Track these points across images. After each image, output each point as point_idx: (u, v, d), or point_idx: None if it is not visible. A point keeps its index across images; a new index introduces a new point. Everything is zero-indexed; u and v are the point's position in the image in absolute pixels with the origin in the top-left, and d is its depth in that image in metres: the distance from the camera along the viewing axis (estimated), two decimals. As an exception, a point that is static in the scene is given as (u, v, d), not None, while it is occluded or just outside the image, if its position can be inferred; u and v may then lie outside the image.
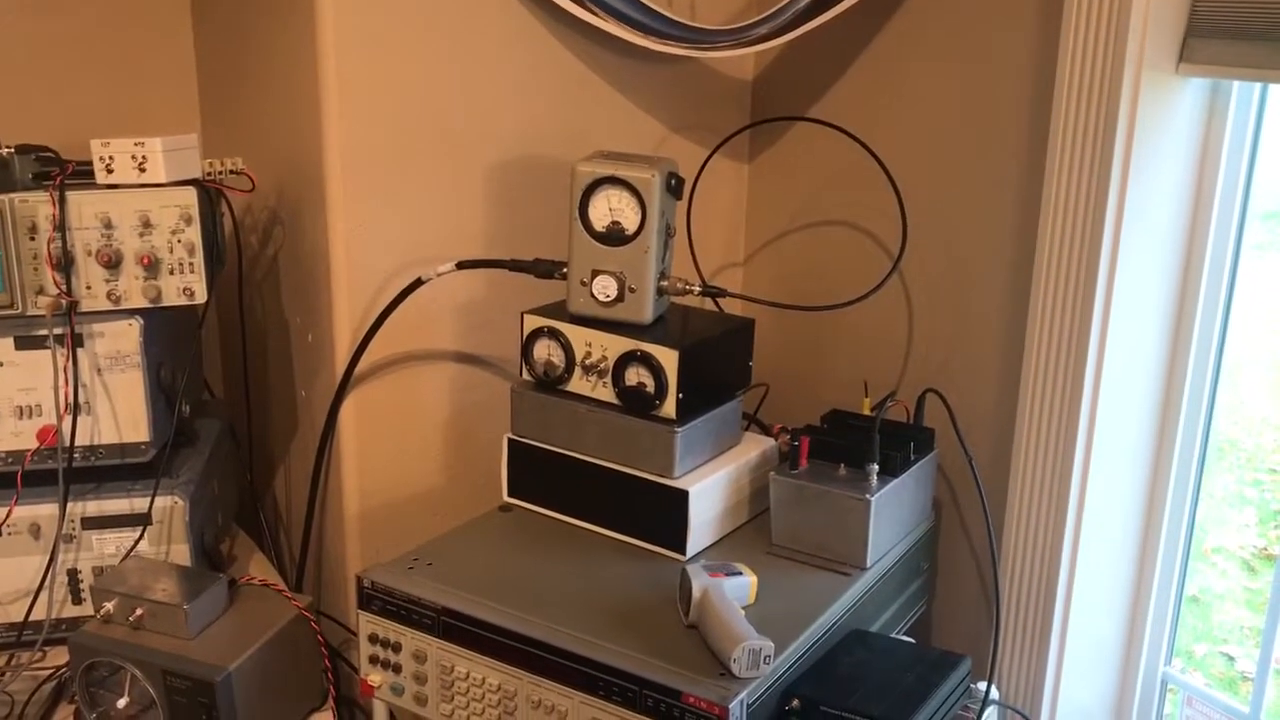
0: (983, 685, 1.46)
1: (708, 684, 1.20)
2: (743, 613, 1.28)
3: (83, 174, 1.51)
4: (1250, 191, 1.53)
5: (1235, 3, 1.38)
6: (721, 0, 1.86)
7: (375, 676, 1.42)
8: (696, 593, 1.29)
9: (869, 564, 1.45)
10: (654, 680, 1.21)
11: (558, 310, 1.54)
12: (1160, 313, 1.56)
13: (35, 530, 1.51)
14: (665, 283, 1.52)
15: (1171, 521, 1.65)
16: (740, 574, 1.35)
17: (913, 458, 1.53)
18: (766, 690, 1.23)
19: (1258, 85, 1.47)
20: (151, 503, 1.53)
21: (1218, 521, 2.52)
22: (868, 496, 1.43)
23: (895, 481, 1.48)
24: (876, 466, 1.46)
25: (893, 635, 1.54)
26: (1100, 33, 1.41)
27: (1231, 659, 2.39)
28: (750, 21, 1.71)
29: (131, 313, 1.51)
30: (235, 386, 2.05)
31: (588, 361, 1.50)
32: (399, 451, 1.72)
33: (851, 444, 1.50)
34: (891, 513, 1.49)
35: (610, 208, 1.48)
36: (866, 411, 1.63)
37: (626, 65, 1.79)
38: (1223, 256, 1.55)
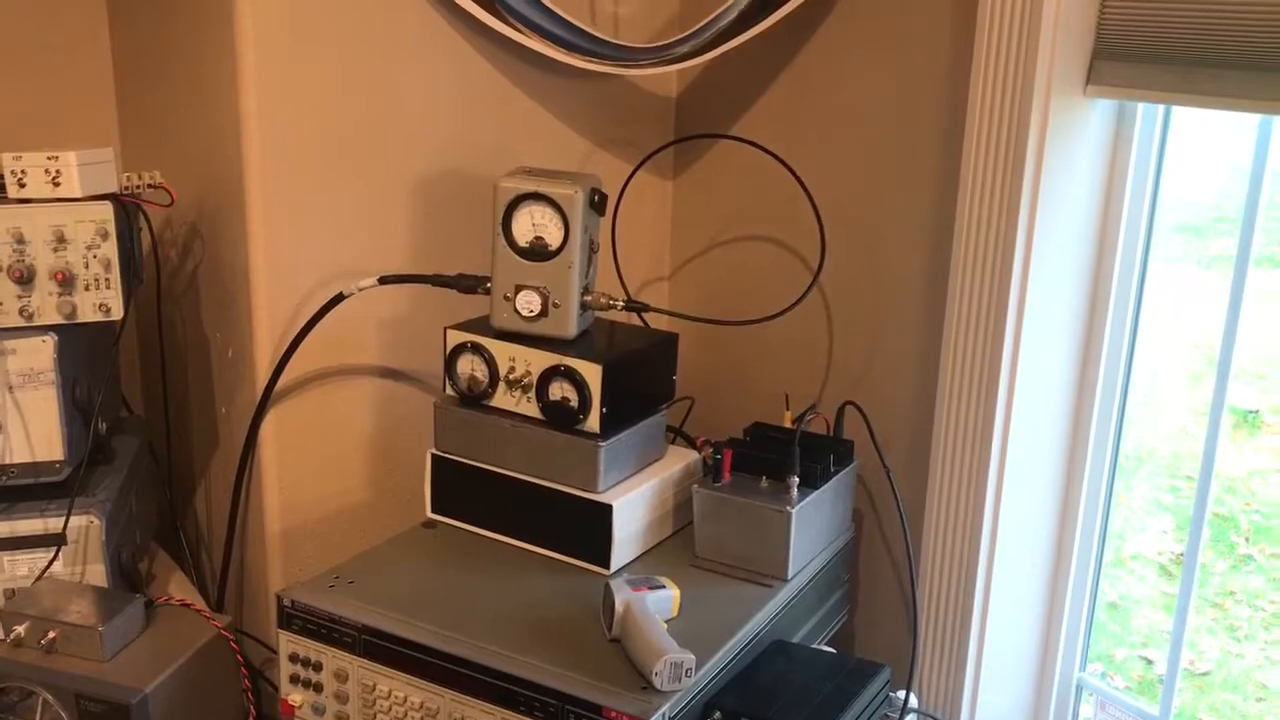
0: (902, 694, 1.48)
1: (630, 698, 1.20)
2: (665, 626, 1.29)
3: (-6, 188, 1.48)
4: (1156, 208, 1.58)
5: (1141, 27, 1.43)
6: (645, 18, 1.88)
7: (296, 696, 1.41)
8: (619, 607, 1.30)
9: (790, 575, 1.47)
10: (576, 695, 1.21)
11: (481, 325, 1.54)
12: (1071, 325, 1.61)
13: (-56, 552, 1.47)
14: (589, 298, 1.53)
15: (1085, 529, 1.69)
16: (663, 587, 1.36)
17: (833, 470, 1.55)
18: (689, 703, 1.24)
19: (1161, 106, 1.52)
20: (66, 522, 1.50)
21: (1137, 529, 2.59)
22: (788, 509, 1.45)
23: (815, 493, 1.50)
24: (797, 479, 1.48)
25: (814, 646, 1.56)
26: (1010, 54, 1.45)
27: (1150, 662, 2.45)
28: (673, 40, 1.73)
29: (45, 329, 1.48)
30: (154, 403, 2.02)
31: (511, 377, 1.50)
32: (322, 468, 1.70)
33: (773, 456, 1.52)
34: (812, 524, 1.51)
35: (534, 223, 1.48)
36: (788, 424, 1.65)
37: (551, 81, 1.80)
38: (1130, 270, 1.60)
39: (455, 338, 1.53)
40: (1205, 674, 2.44)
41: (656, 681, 1.21)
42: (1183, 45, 1.38)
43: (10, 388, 1.48)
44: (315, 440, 1.68)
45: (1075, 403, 1.65)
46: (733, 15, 1.69)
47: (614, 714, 1.19)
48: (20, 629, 1.37)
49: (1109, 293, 1.60)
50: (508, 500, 1.52)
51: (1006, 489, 1.58)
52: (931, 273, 1.64)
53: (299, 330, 1.60)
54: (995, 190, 1.50)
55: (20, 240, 1.46)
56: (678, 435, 1.80)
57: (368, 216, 1.67)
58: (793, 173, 1.69)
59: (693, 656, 1.23)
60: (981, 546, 1.58)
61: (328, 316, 1.60)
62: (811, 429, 1.59)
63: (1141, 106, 1.53)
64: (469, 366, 1.52)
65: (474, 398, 1.53)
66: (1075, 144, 1.51)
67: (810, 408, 1.58)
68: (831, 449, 1.56)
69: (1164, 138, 1.55)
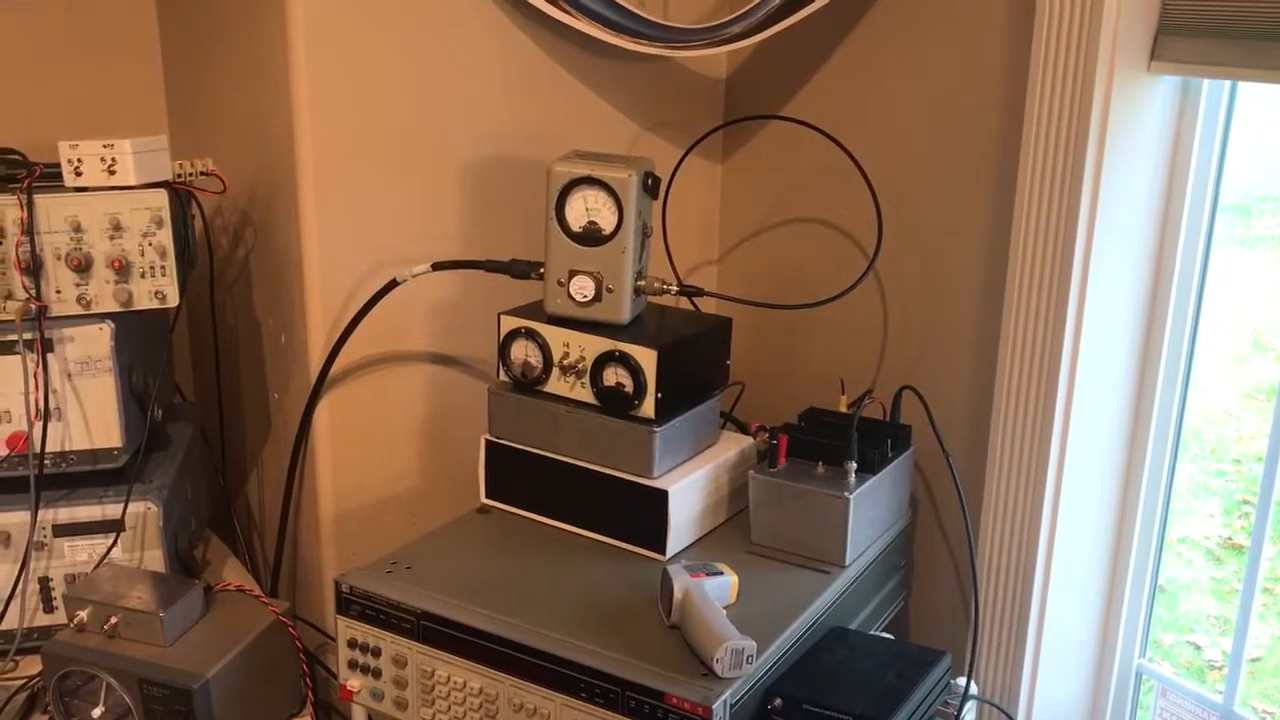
0: (962, 681, 1.46)
1: (691, 684, 1.20)
2: (724, 612, 1.28)
3: (51, 177, 1.48)
4: (1220, 187, 1.55)
5: (1205, 1, 1.39)
6: (694, -1, 1.86)
7: (354, 681, 1.41)
8: (678, 593, 1.29)
9: (848, 561, 1.46)
10: (637, 681, 1.20)
11: (535, 311, 1.53)
12: (1133, 306, 1.58)
13: (5, 538, 1.49)
14: (642, 282, 1.51)
15: (1145, 514, 1.66)
16: (721, 574, 1.35)
17: (890, 455, 1.53)
18: (749, 690, 1.23)
19: (1227, 83, 1.49)
20: (125, 509, 1.51)
21: (1183, 512, 2.56)
22: (846, 494, 1.43)
23: (873, 479, 1.48)
24: (854, 464, 1.47)
25: (872, 632, 1.55)
26: (1073, 31, 1.42)
27: (1198, 648, 2.42)
28: (723, 20, 1.71)
29: (102, 317, 1.49)
30: (207, 389, 2.03)
31: (565, 362, 1.50)
32: (374, 454, 1.70)
33: (829, 442, 1.50)
34: (869, 510, 1.50)
35: (587, 208, 1.47)
36: (843, 409, 1.63)
37: (600, 64, 1.79)
38: (1194, 251, 1.56)
39: (509, 323, 1.52)
40: (1256, 660, 2.41)
41: (717, 668, 1.21)
42: (1249, 18, 1.35)
43: (69, 375, 1.49)
44: (368, 426, 1.69)
45: (1137, 386, 1.62)
46: (785, -5, 1.67)
47: (676, 700, 1.18)
48: (83, 614, 1.38)
49: (1172, 274, 1.57)
50: (562, 486, 1.52)
51: (1067, 473, 1.55)
52: (990, 254, 1.61)
53: (352, 316, 1.60)
54: (1056, 170, 1.47)
55: (78, 229, 1.46)
56: (728, 420, 1.79)
57: (419, 202, 1.66)
58: (848, 153, 1.67)
59: (753, 643, 1.22)
60: (1041, 532, 1.56)
61: (380, 303, 1.60)
62: (866, 414, 1.57)
63: (1206, 83, 1.50)
64: (523, 352, 1.52)
65: (528, 383, 1.52)
66: (1138, 122, 1.48)
67: (867, 392, 1.56)
68: (889, 434, 1.55)
69: (1229, 115, 1.52)
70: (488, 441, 1.56)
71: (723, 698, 1.18)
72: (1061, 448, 1.54)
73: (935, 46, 1.64)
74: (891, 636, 1.54)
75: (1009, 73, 1.55)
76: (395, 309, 1.65)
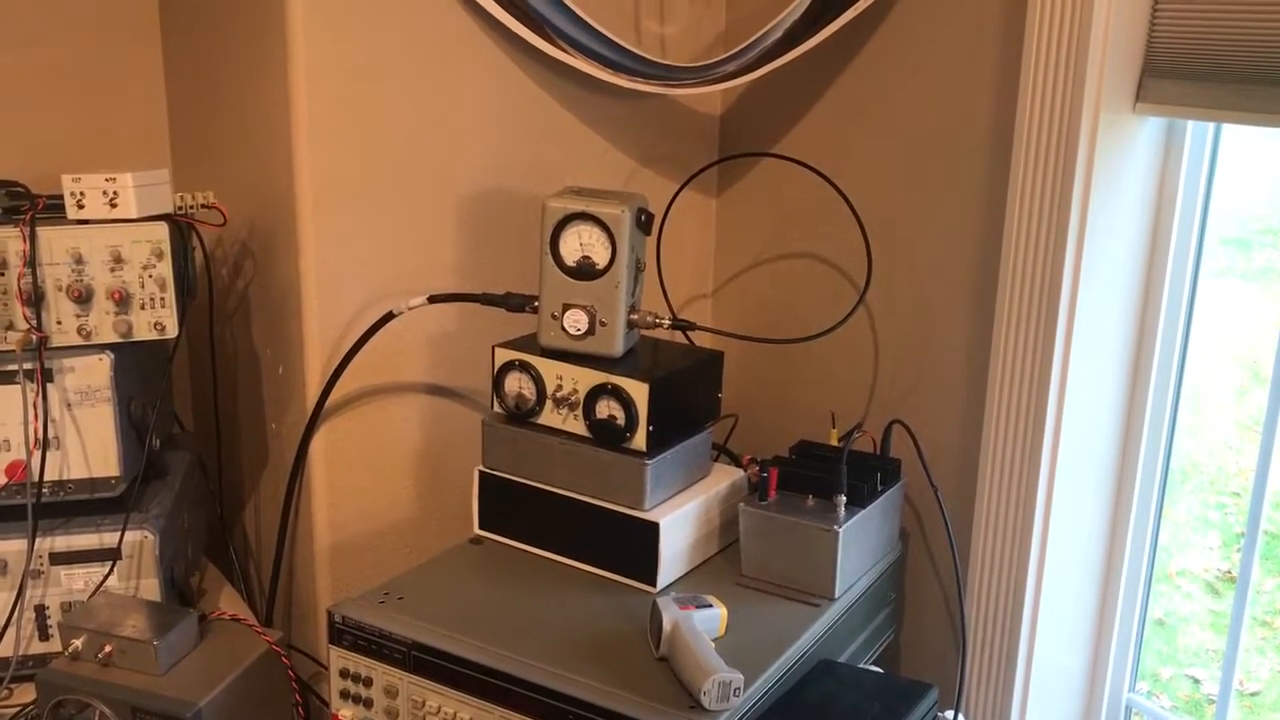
0: (950, 714, 1.47)
1: (679, 717, 1.21)
2: (713, 645, 1.29)
3: (53, 209, 1.51)
4: (1206, 226, 1.57)
5: (1191, 44, 1.42)
6: (690, 37, 1.89)
7: (346, 711, 1.42)
8: (667, 625, 1.30)
9: (837, 594, 1.47)
10: (625, 714, 1.21)
11: (529, 343, 1.55)
12: (1121, 341, 1.60)
13: (3, 566, 1.50)
14: (635, 316, 1.53)
15: (1134, 546, 1.67)
16: (710, 606, 1.36)
17: (880, 488, 1.55)
18: (737, 722, 1.24)
19: (1212, 124, 1.51)
20: (121, 538, 1.53)
21: (1182, 545, 2.56)
22: (835, 528, 1.45)
23: (863, 512, 1.50)
24: (844, 497, 1.48)
25: (861, 665, 1.56)
26: (1059, 72, 1.45)
27: (1197, 682, 2.42)
28: (718, 59, 1.74)
29: (102, 348, 1.51)
30: (205, 419, 2.05)
31: (559, 394, 1.51)
32: (370, 485, 1.72)
33: (820, 475, 1.52)
34: (859, 543, 1.51)
35: (581, 243, 1.50)
36: (834, 442, 1.65)
37: (597, 101, 1.81)
38: (1181, 287, 1.58)
39: (503, 356, 1.54)
40: (1255, 694, 2.41)
41: (705, 701, 1.21)
42: (1234, 62, 1.37)
43: (68, 405, 1.51)
44: (364, 456, 1.70)
45: (1125, 419, 1.64)
46: (778, 34, 1.70)
47: (663, 733, 1.19)
48: (77, 642, 1.39)
49: (1159, 310, 1.59)
50: (554, 517, 1.53)
51: (1055, 506, 1.57)
52: (979, 290, 1.63)
53: (349, 348, 1.62)
54: (1043, 208, 1.49)
55: (79, 260, 1.49)
56: (721, 453, 1.80)
57: (416, 236, 1.69)
58: (838, 190, 1.69)
59: (741, 676, 1.23)
60: (1030, 564, 1.57)
61: (377, 334, 1.62)
62: (857, 447, 1.59)
63: (1191, 124, 1.52)
64: (516, 384, 1.54)
65: (521, 415, 1.54)
66: (1124, 162, 1.50)
67: (857, 426, 1.58)
68: (879, 467, 1.56)
69: (1214, 154, 1.54)
70: (481, 473, 1.57)
71: (710, 730, 1.19)
72: (1050, 481, 1.56)
73: (924, 86, 1.67)
74: (880, 670, 1.55)
75: (996, 112, 1.57)
76: (391, 341, 1.67)
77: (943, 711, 1.46)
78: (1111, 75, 1.44)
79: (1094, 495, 1.64)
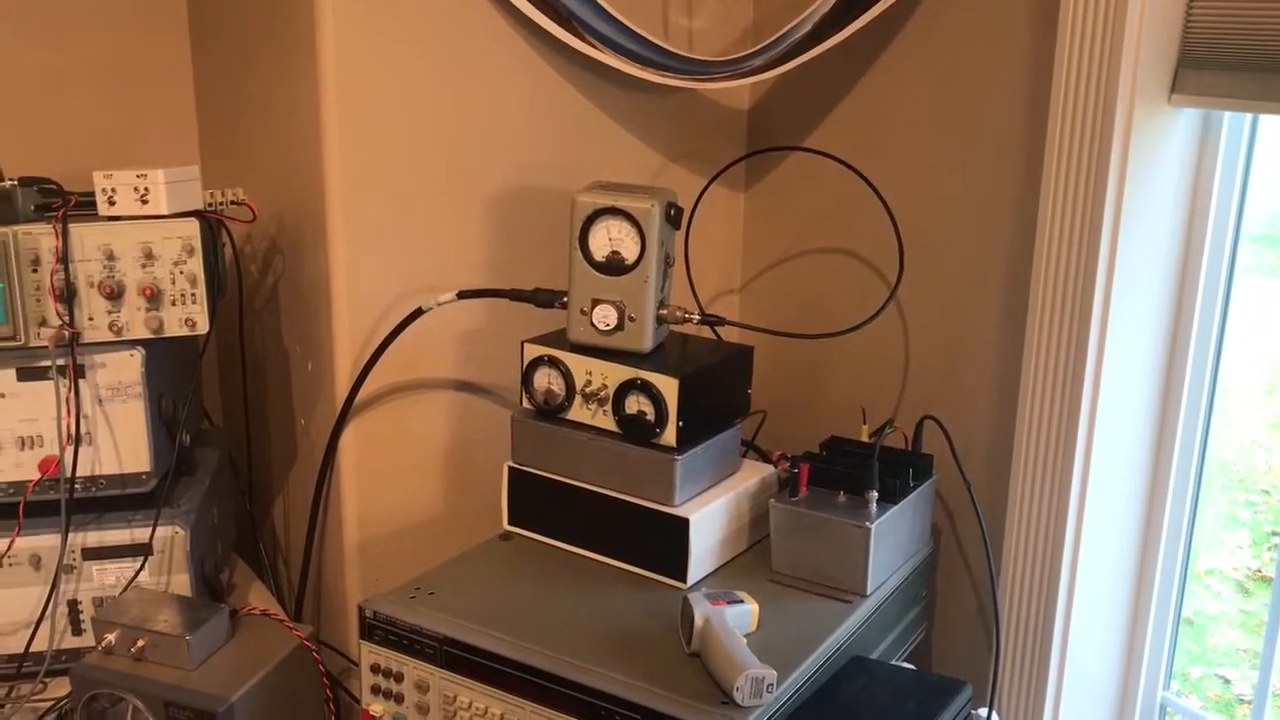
0: (983, 712, 1.46)
1: (711, 713, 1.20)
2: (744, 641, 1.28)
3: (85, 206, 1.52)
4: (1243, 219, 1.55)
5: (1227, 35, 1.40)
6: (718, 32, 1.88)
7: (377, 706, 1.42)
8: (698, 621, 1.30)
9: (869, 591, 1.46)
10: (658, 709, 1.21)
11: (558, 339, 1.55)
12: (1155, 337, 1.58)
13: (36, 561, 1.51)
14: (664, 311, 1.53)
15: (1169, 544, 1.66)
16: (742, 602, 1.36)
17: (911, 485, 1.53)
18: (769, 719, 1.23)
19: (1248, 115, 1.50)
20: (153, 533, 1.53)
21: (1211, 543, 2.53)
22: (867, 524, 1.44)
23: (894, 508, 1.49)
24: (876, 493, 1.47)
25: (893, 662, 1.55)
26: (1094, 64, 1.43)
27: (1227, 681, 2.39)
28: (747, 53, 1.73)
29: (133, 343, 1.52)
30: (234, 415, 2.06)
31: (588, 390, 1.51)
32: (399, 480, 1.72)
33: (850, 471, 1.51)
34: (891, 540, 1.50)
35: (610, 238, 1.49)
36: (864, 438, 1.64)
37: (625, 96, 1.81)
38: (1216, 282, 1.57)
39: (532, 351, 1.54)
40: (1287, 694, 2.38)
41: (738, 696, 1.21)
42: (1270, 52, 1.35)
43: (99, 400, 1.52)
44: (393, 452, 1.70)
45: (1159, 416, 1.62)
46: (807, 28, 1.69)
47: (696, 729, 1.19)
48: (111, 637, 1.40)
49: (1194, 304, 1.57)
50: (584, 513, 1.53)
51: (1089, 503, 1.55)
52: (1011, 284, 1.62)
53: (378, 344, 1.62)
54: (1077, 201, 1.48)
55: (110, 257, 1.49)
56: (750, 449, 1.80)
57: (445, 232, 1.69)
58: (869, 183, 1.68)
59: (774, 672, 1.22)
60: (1063, 561, 1.56)
61: (406, 330, 1.62)
62: (886, 443, 1.58)
63: (1228, 115, 1.50)
64: (546, 380, 1.53)
65: (550, 411, 1.54)
66: (1159, 154, 1.48)
67: (888, 421, 1.57)
68: (910, 463, 1.55)
69: (1251, 146, 1.52)
70: (510, 468, 1.57)
71: (742, 726, 1.19)
72: (1084, 478, 1.54)
73: (955, 78, 1.66)
74: (913, 667, 1.53)
75: (1030, 104, 1.56)
76: (420, 337, 1.67)
77: (975, 709, 1.45)
78: (1146, 66, 1.43)
79: (1128, 492, 1.62)
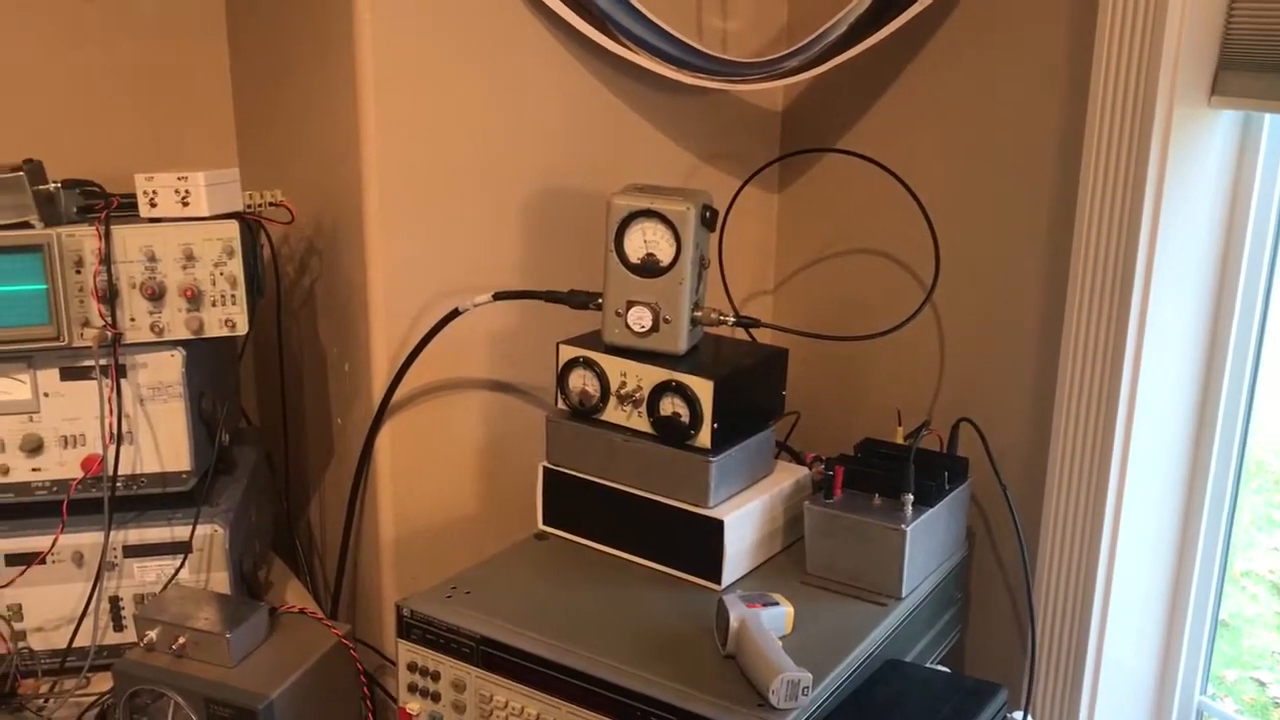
0: (1018, 715, 1.46)
1: (747, 715, 1.20)
2: (780, 643, 1.29)
3: (127, 208, 1.53)
4: (1283, 221, 1.54)
5: (1268, 35, 1.39)
6: (752, 33, 1.88)
7: (414, 705, 1.44)
8: (734, 623, 1.30)
9: (904, 594, 1.46)
10: (694, 711, 1.21)
11: (593, 340, 1.55)
12: (1194, 338, 1.57)
13: (78, 558, 1.53)
14: (699, 313, 1.53)
15: (1206, 547, 1.65)
16: (777, 604, 1.36)
17: (947, 487, 1.53)
18: (805, 721, 1.24)
19: (1290, 116, 1.48)
20: (193, 531, 1.55)
21: (1247, 545, 2.51)
22: (903, 526, 1.44)
23: (930, 511, 1.49)
24: (911, 496, 1.47)
25: (927, 665, 1.55)
26: (1133, 65, 1.42)
27: (1262, 685, 2.37)
28: (781, 54, 1.73)
29: (174, 344, 1.54)
30: (272, 415, 2.08)
31: (623, 391, 1.52)
32: (434, 480, 1.73)
33: (886, 473, 1.51)
34: (926, 542, 1.50)
35: (645, 240, 1.50)
36: (900, 440, 1.63)
37: (659, 97, 1.81)
38: (1256, 284, 1.55)
39: (567, 353, 1.55)
40: (1328, 698, 2.36)
41: (773, 699, 1.21)
42: (1313, 54, 1.34)
43: (141, 400, 1.54)
44: (428, 452, 1.72)
45: (1197, 417, 1.61)
46: (842, 29, 1.69)
47: (732, 731, 1.19)
48: (152, 634, 1.42)
49: (1233, 306, 1.56)
50: (618, 513, 1.53)
51: (1126, 506, 1.54)
52: (1048, 286, 1.61)
53: (415, 345, 1.63)
54: (1115, 204, 1.47)
55: (152, 258, 1.51)
56: (783, 450, 1.80)
57: (481, 233, 1.70)
58: (904, 185, 1.68)
59: (809, 675, 1.22)
60: (1099, 565, 1.55)
61: (441, 331, 1.63)
62: (922, 445, 1.58)
63: (1269, 117, 1.49)
64: (580, 381, 1.54)
65: (585, 412, 1.54)
66: (1199, 156, 1.47)
67: (924, 424, 1.57)
68: (946, 466, 1.55)
69: (1292, 148, 1.51)
70: (545, 469, 1.58)
71: (779, 728, 1.19)
72: (1120, 480, 1.54)
73: (991, 80, 1.65)
74: (948, 670, 1.53)
75: (1067, 105, 1.55)
76: (456, 337, 1.68)
77: (1011, 713, 1.44)
78: (1186, 67, 1.42)
79: (1165, 494, 1.61)
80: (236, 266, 1.54)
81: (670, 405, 1.48)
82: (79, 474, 1.52)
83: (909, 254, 1.81)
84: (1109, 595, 1.57)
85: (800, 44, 1.72)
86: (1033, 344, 1.64)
